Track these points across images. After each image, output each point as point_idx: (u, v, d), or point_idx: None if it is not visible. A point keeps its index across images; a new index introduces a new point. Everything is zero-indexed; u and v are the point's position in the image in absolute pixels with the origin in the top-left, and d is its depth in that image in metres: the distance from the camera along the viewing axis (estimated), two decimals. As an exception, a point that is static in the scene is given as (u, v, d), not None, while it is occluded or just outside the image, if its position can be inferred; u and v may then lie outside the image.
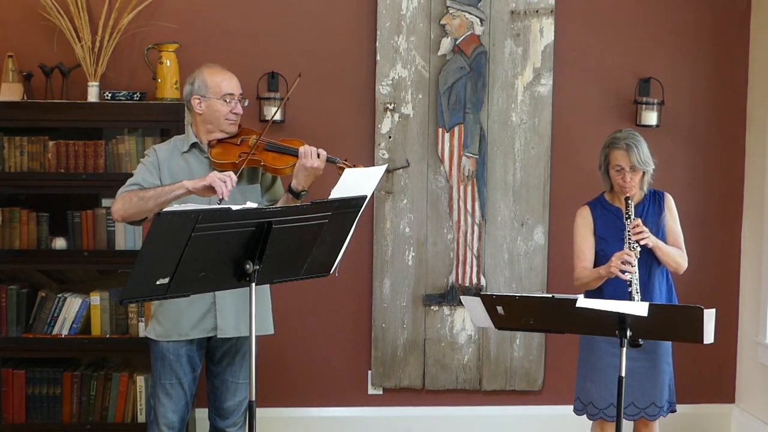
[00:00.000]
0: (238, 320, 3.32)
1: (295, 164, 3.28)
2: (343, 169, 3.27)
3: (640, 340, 3.24)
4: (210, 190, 3.09)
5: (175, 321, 3.29)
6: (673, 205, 3.61)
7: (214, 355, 3.41)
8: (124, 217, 3.23)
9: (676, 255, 3.52)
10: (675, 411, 3.64)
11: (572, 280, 3.65)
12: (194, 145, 3.35)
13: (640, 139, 3.50)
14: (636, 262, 3.36)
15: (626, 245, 3.39)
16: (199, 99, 3.32)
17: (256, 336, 3.36)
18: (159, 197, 3.13)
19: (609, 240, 3.53)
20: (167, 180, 3.28)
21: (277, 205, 3.31)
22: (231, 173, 3.13)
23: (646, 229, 3.41)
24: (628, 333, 2.90)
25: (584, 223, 3.60)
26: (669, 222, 3.58)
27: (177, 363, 3.32)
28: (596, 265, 3.55)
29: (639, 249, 3.38)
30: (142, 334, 4.11)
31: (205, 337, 3.34)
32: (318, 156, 3.25)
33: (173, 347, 3.31)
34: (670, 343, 3.58)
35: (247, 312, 3.24)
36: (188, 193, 3.12)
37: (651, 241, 3.42)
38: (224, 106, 3.32)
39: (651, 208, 3.57)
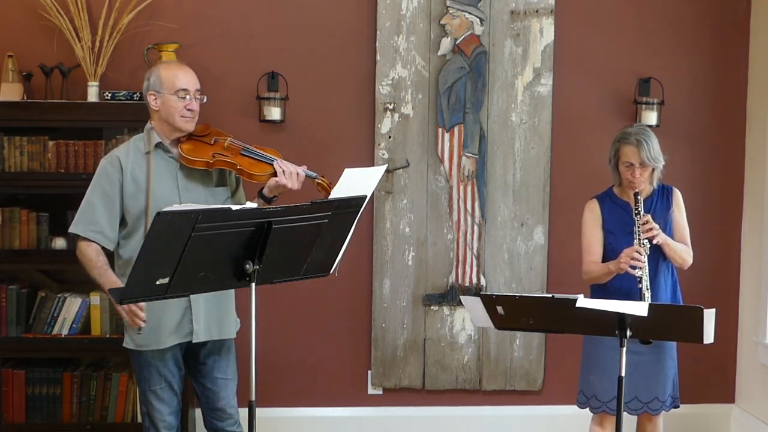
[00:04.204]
0: (209, 323, 3.29)
1: (270, 172, 3.26)
2: (321, 185, 3.31)
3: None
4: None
5: (153, 330, 3.21)
6: (681, 200, 3.61)
7: (199, 354, 3.36)
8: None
9: (682, 251, 3.53)
10: (678, 407, 3.62)
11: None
12: (158, 145, 3.25)
13: (651, 135, 3.50)
14: (646, 259, 3.36)
15: (636, 241, 3.39)
16: (154, 95, 3.22)
17: (229, 339, 3.39)
18: (100, 278, 3.17)
19: (617, 234, 3.52)
20: (131, 189, 3.19)
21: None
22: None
23: (656, 226, 3.41)
24: (628, 333, 2.90)
25: (593, 217, 3.60)
26: (677, 217, 3.58)
27: (164, 367, 3.28)
28: (604, 258, 3.56)
29: (648, 245, 3.39)
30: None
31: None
32: (297, 177, 3.24)
33: (158, 354, 3.26)
34: None
35: (218, 315, 3.30)
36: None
37: (660, 238, 3.42)
38: (178, 102, 3.20)
39: (659, 202, 3.57)
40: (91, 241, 3.20)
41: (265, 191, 3.28)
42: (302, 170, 3.27)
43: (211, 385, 3.38)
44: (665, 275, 3.55)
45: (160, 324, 3.22)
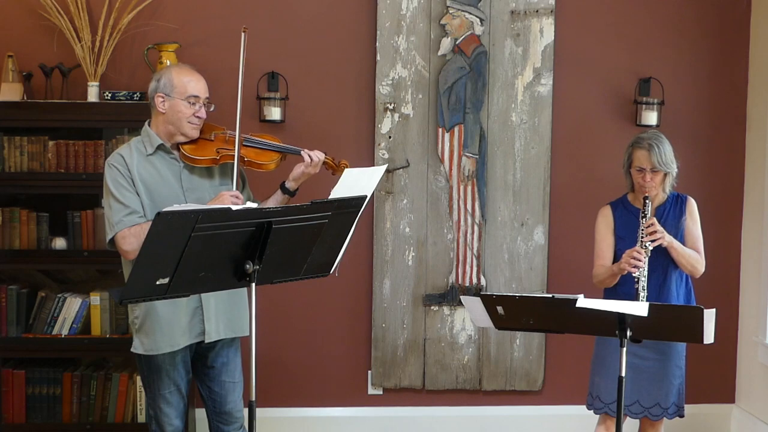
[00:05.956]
0: (221, 323, 3.28)
1: (277, 159, 3.26)
2: (327, 164, 3.33)
3: None
4: None
5: (164, 332, 3.19)
6: (695, 209, 3.60)
7: (207, 357, 3.34)
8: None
9: (691, 257, 3.51)
10: (683, 416, 3.60)
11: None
12: (160, 147, 3.22)
13: (664, 141, 3.51)
14: (645, 260, 3.37)
15: (638, 243, 3.40)
16: (163, 97, 3.19)
17: (239, 338, 3.36)
18: None
19: (627, 239, 3.53)
20: (140, 188, 3.15)
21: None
22: (239, 192, 3.11)
23: (660, 229, 3.41)
24: (628, 333, 2.90)
25: (605, 222, 3.62)
26: (689, 225, 3.57)
27: (174, 371, 3.26)
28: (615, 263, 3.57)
29: (650, 248, 3.39)
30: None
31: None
32: (319, 161, 3.28)
33: (169, 357, 3.24)
34: (684, 346, 3.57)
35: (229, 314, 3.28)
36: None
37: (665, 241, 3.42)
38: (188, 108, 3.18)
39: (672, 210, 3.57)
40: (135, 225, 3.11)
41: (290, 185, 3.28)
42: (321, 154, 3.29)
43: (218, 388, 3.36)
44: (677, 283, 3.54)
45: (172, 326, 3.20)
